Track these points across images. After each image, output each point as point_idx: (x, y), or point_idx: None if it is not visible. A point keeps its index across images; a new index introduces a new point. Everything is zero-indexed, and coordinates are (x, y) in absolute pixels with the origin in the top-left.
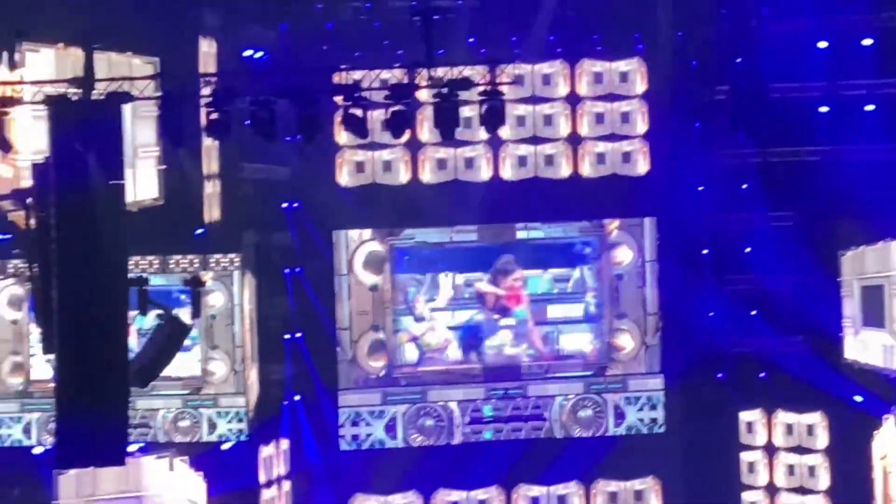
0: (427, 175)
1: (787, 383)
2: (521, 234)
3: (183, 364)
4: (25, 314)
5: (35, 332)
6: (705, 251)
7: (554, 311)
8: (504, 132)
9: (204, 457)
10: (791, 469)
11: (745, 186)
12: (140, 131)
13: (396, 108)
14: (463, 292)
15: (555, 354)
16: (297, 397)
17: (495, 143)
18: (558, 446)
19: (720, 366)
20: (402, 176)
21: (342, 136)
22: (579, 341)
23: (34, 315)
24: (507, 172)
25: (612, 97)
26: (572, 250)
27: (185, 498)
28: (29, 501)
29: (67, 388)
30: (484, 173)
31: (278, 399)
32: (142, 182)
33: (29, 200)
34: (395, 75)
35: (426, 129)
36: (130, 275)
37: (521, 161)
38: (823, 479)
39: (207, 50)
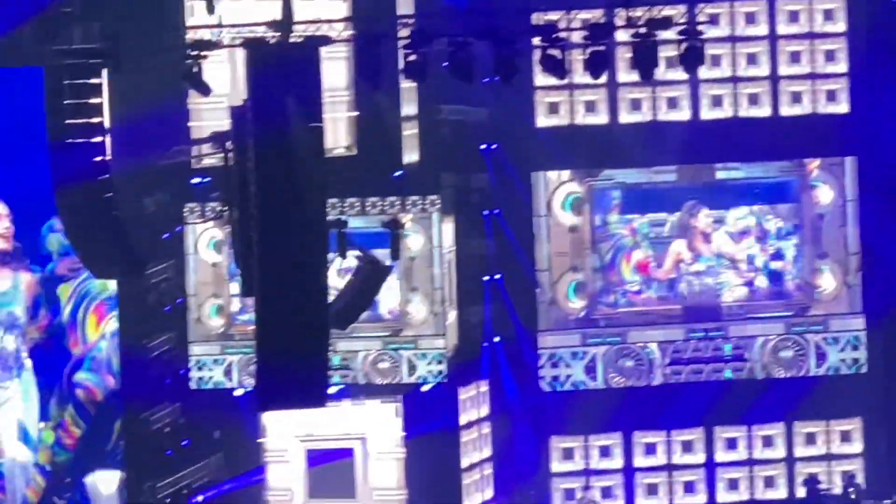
0: (625, 116)
1: None
2: (720, 175)
3: (383, 306)
4: (226, 257)
5: (235, 274)
6: None
7: (750, 250)
8: (703, 72)
9: (404, 399)
10: None
11: None
12: (329, 76)
13: (595, 48)
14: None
15: (753, 294)
16: (496, 339)
17: (694, 83)
18: (759, 387)
19: None
20: (601, 117)
21: (540, 77)
22: (774, 281)
23: (234, 258)
24: (706, 112)
25: (812, 35)
26: (770, 190)
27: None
28: (229, 443)
29: (268, 330)
30: (683, 113)
31: (478, 341)
32: (332, 128)
33: (228, 144)
34: (593, 15)
35: (625, 70)
36: (329, 217)
37: (720, 101)
38: None
39: None
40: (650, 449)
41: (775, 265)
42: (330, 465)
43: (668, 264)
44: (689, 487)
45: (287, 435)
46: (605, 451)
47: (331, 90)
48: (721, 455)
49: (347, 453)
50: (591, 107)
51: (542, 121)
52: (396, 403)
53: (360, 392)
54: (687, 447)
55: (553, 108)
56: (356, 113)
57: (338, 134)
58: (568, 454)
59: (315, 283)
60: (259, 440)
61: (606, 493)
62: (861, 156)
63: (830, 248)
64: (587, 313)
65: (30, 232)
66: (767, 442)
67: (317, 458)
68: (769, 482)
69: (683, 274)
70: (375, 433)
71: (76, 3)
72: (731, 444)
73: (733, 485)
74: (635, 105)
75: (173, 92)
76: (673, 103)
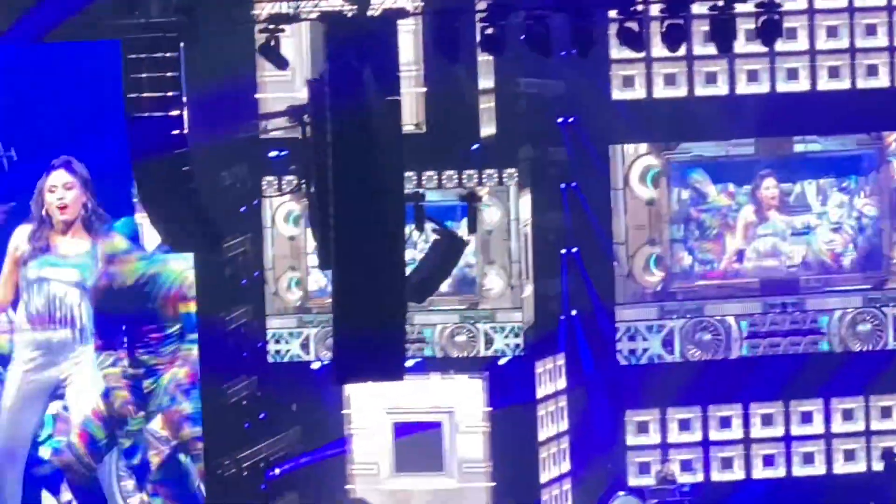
0: (703, 89)
1: None
2: (798, 147)
3: (459, 279)
4: (302, 230)
5: (312, 247)
6: None
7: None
8: (780, 45)
9: (481, 372)
10: None
11: None
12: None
13: (672, 21)
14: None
15: (830, 268)
16: (573, 312)
17: (772, 56)
18: (836, 360)
19: None
20: (678, 90)
21: (617, 50)
22: (850, 254)
23: (311, 231)
24: (784, 86)
25: (890, 8)
26: (848, 163)
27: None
28: (306, 417)
29: (345, 303)
30: (760, 87)
31: (555, 314)
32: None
33: (305, 117)
34: None
35: (702, 42)
36: (406, 190)
37: (798, 73)
38: None
39: None
40: (727, 422)
41: (853, 238)
42: (416, 438)
43: (739, 236)
44: (766, 461)
45: (373, 408)
46: (682, 425)
47: (403, 64)
48: (798, 429)
49: (435, 426)
50: (668, 80)
51: (619, 94)
52: (482, 378)
53: (437, 366)
54: (764, 421)
55: (630, 82)
56: (425, 89)
57: (407, 111)
58: (644, 428)
59: (392, 257)
60: (338, 413)
61: (683, 466)
62: None
63: None
64: (664, 286)
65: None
66: (845, 415)
67: (404, 432)
68: (847, 456)
69: (758, 246)
70: (462, 407)
71: None
72: (808, 417)
73: (810, 459)
74: (712, 78)
75: (249, 65)
76: (750, 76)
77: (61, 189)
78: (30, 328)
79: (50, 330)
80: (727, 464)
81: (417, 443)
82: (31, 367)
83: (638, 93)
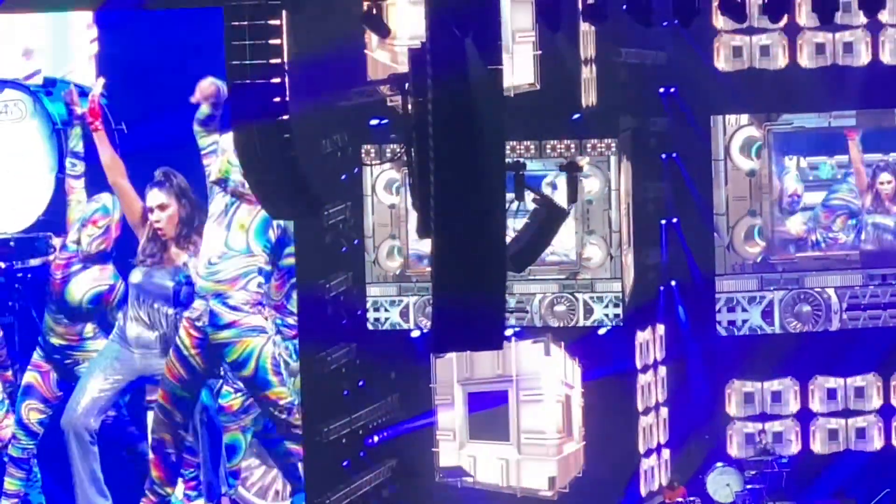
0: (805, 60)
1: None
2: None
3: (559, 248)
4: (402, 198)
5: (412, 216)
6: None
7: None
8: (884, 16)
9: (580, 342)
10: None
11: None
12: (517, 15)
13: None
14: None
15: None
16: (672, 282)
17: (874, 27)
18: None
19: None
20: (780, 60)
21: (719, 21)
22: None
23: (411, 199)
24: (887, 56)
25: None
26: None
27: (559, 381)
28: (405, 384)
29: (444, 272)
30: (863, 58)
31: (654, 284)
32: (518, 67)
33: (406, 85)
34: None
35: (804, 13)
36: (507, 160)
37: None
38: None
39: None
40: (826, 394)
41: None
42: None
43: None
44: (864, 433)
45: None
46: (780, 397)
47: (520, 30)
48: None
49: (503, 398)
50: (770, 51)
51: (721, 64)
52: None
53: (536, 334)
54: (863, 393)
55: (732, 52)
56: (539, 52)
57: (524, 73)
58: (744, 399)
59: (492, 226)
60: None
61: (782, 438)
62: None
63: None
64: (764, 257)
65: None
66: None
67: (476, 403)
68: None
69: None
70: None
71: None
72: None
73: None
74: (815, 49)
75: (351, 33)
76: (852, 47)
77: (157, 211)
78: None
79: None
80: (825, 436)
81: (489, 413)
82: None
83: (740, 63)
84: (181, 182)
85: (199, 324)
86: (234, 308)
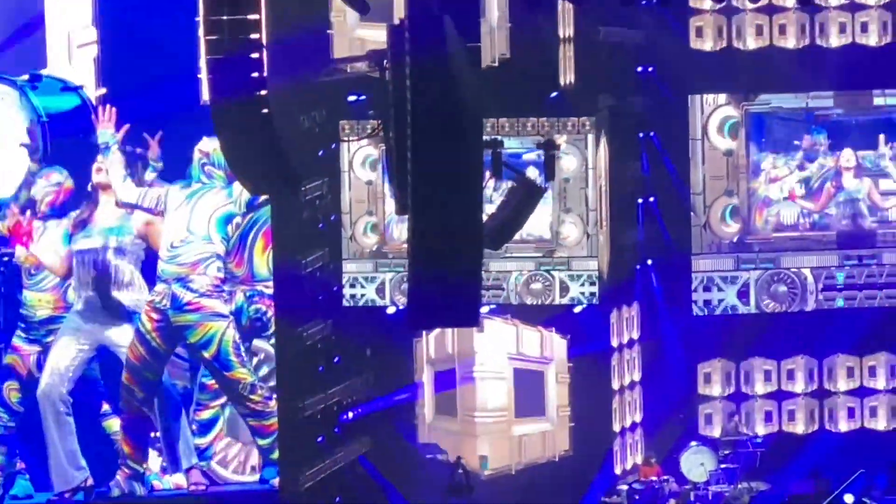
0: (783, 40)
1: None
2: (877, 101)
3: (536, 227)
4: (380, 175)
5: (389, 193)
6: None
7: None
8: None
9: (556, 319)
10: None
11: None
12: None
13: None
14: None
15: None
16: (648, 262)
17: (852, 8)
18: None
19: None
20: (758, 40)
21: (697, 0)
22: None
23: (389, 176)
24: (865, 38)
25: None
26: None
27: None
28: (381, 361)
29: (421, 248)
30: (841, 39)
31: (630, 263)
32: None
33: (385, 62)
34: None
35: None
36: (485, 137)
37: (879, 26)
38: None
39: None
40: (801, 375)
41: None
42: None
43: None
44: (839, 414)
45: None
46: (755, 376)
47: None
48: (872, 382)
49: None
50: (748, 30)
51: (699, 44)
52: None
53: (512, 312)
54: (838, 374)
55: (711, 31)
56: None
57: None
58: (718, 379)
59: (469, 203)
60: (410, 358)
61: (756, 417)
62: None
63: None
64: (740, 237)
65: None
66: None
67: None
68: None
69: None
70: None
71: None
72: (883, 371)
73: (884, 412)
74: (794, 29)
75: (328, 9)
76: (830, 28)
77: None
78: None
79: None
80: (800, 416)
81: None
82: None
83: (718, 42)
84: (139, 154)
85: (160, 306)
86: (196, 292)
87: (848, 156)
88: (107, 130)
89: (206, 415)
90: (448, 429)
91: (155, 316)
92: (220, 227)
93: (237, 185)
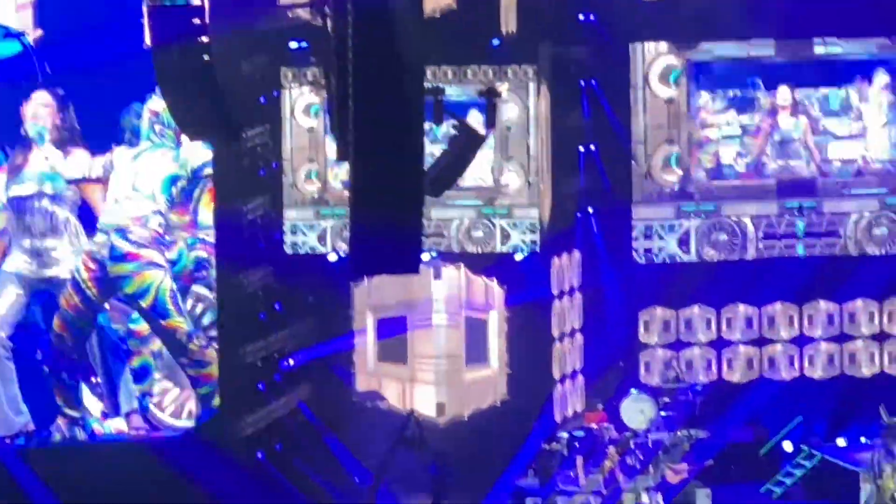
0: None
1: None
2: (818, 50)
3: (477, 174)
4: (321, 122)
5: (330, 139)
6: None
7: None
8: None
9: (497, 267)
10: None
11: None
12: None
13: None
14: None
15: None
16: (590, 210)
17: None
18: (852, 263)
19: None
20: None
21: None
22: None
23: (330, 123)
24: None
25: None
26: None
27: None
28: (323, 308)
29: (362, 196)
30: None
31: (571, 211)
32: None
33: (326, 8)
34: None
35: None
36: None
37: None
38: None
39: None
40: (741, 322)
41: (871, 142)
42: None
43: (761, 139)
44: (779, 362)
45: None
46: (695, 325)
47: None
48: (812, 330)
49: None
50: None
51: None
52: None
53: (452, 260)
54: (778, 322)
55: None
56: None
57: None
58: (658, 327)
59: (410, 151)
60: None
61: (696, 366)
62: None
63: None
64: (681, 186)
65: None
66: (857, 319)
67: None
68: (859, 359)
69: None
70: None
71: None
72: (822, 320)
73: (823, 361)
74: None
75: None
76: None
77: (40, 107)
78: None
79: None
80: (739, 364)
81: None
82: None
83: None
84: (71, 114)
85: (98, 256)
86: (134, 243)
87: (784, 94)
88: (36, 123)
89: (136, 361)
90: (396, 375)
91: (92, 266)
92: (165, 188)
93: (185, 149)
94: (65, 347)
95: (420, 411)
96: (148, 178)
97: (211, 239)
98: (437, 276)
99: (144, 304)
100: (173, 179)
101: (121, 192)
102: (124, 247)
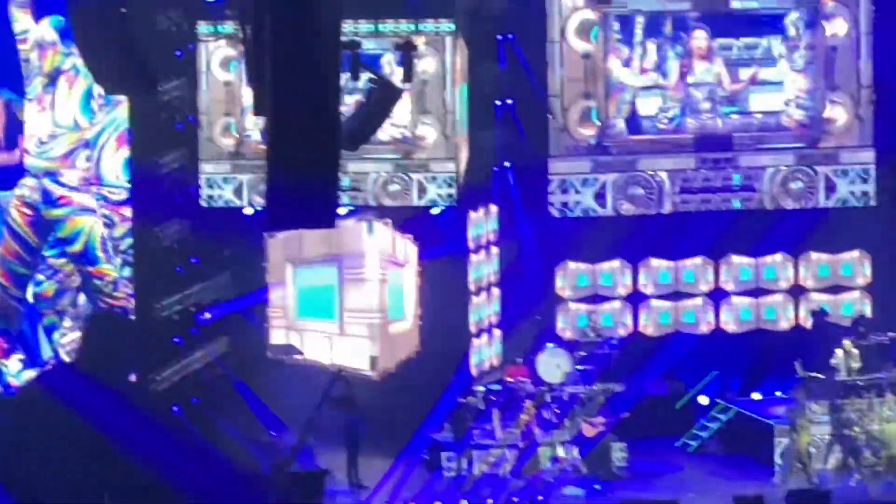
0: None
1: None
2: (735, 4)
3: (393, 128)
4: (238, 75)
5: (247, 93)
6: None
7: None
8: None
9: (413, 221)
10: None
11: None
12: None
13: None
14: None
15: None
16: (506, 164)
17: None
18: (768, 218)
19: None
20: None
21: None
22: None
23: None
24: None
25: None
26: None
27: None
28: (239, 261)
29: (278, 149)
30: None
31: (488, 165)
32: None
33: None
34: None
35: None
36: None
37: None
38: None
39: None
40: (657, 276)
41: (787, 96)
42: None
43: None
44: (695, 315)
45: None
46: (612, 278)
47: None
48: (728, 284)
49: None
50: None
51: None
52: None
53: (370, 213)
54: (694, 276)
55: None
56: None
57: None
58: (575, 280)
59: (327, 104)
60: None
61: (612, 319)
62: None
63: (842, 81)
64: (598, 140)
65: None
66: (774, 273)
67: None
68: (776, 312)
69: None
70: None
71: None
72: (738, 273)
73: (738, 314)
74: None
75: None
76: None
77: None
78: None
79: None
80: (655, 318)
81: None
82: None
83: None
84: None
85: (30, 201)
86: (66, 186)
87: (699, 36)
88: None
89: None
90: (322, 330)
91: (27, 211)
92: (83, 109)
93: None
94: (7, 297)
95: (350, 366)
96: (65, 108)
97: (115, 197)
98: (370, 231)
99: (74, 249)
100: (88, 94)
101: (42, 131)
102: (57, 191)
